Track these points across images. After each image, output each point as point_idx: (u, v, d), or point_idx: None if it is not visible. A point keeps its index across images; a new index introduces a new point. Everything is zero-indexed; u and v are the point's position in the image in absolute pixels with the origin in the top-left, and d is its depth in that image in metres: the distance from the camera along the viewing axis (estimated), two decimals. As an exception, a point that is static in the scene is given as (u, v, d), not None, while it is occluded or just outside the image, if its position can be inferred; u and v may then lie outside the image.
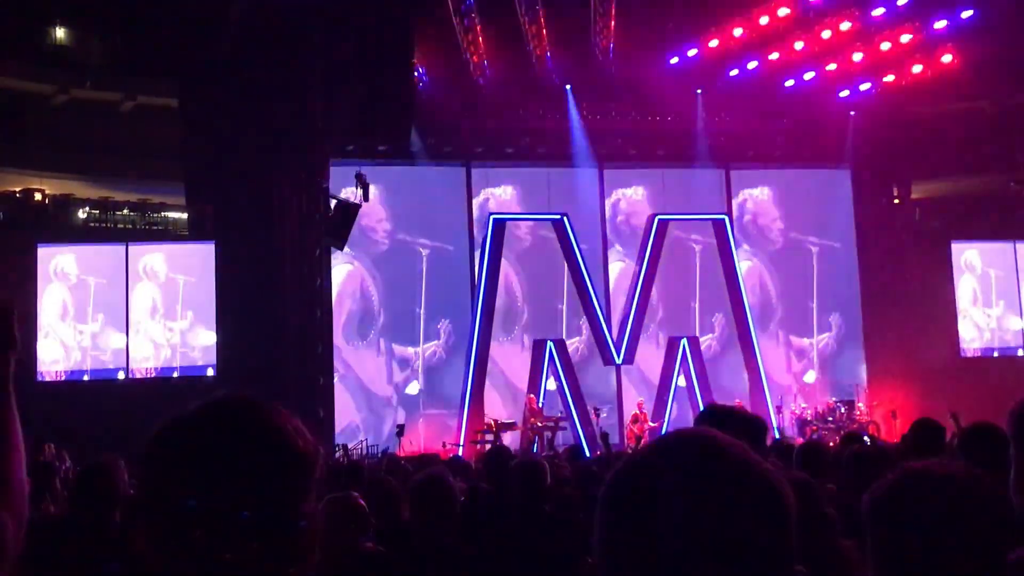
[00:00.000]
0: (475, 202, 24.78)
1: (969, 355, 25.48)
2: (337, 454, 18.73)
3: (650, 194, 25.70)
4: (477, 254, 23.94)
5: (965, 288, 26.00)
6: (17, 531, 1.75)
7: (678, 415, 23.10)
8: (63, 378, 21.64)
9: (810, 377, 25.85)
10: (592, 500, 1.52)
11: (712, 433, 1.50)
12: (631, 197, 25.76)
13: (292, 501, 1.59)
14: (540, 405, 21.99)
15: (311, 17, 20.72)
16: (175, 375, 22.04)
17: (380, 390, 24.06)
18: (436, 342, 24.45)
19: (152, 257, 22.48)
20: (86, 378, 21.77)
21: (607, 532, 1.45)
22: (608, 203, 25.58)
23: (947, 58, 23.41)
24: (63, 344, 21.83)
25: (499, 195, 25.09)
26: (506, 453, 6.41)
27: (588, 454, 16.79)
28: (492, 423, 21.93)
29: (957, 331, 25.58)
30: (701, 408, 23.02)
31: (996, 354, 25.64)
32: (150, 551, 1.58)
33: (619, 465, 1.50)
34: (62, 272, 21.99)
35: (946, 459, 2.29)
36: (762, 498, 1.42)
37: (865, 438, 18.30)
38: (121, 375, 21.93)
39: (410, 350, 24.27)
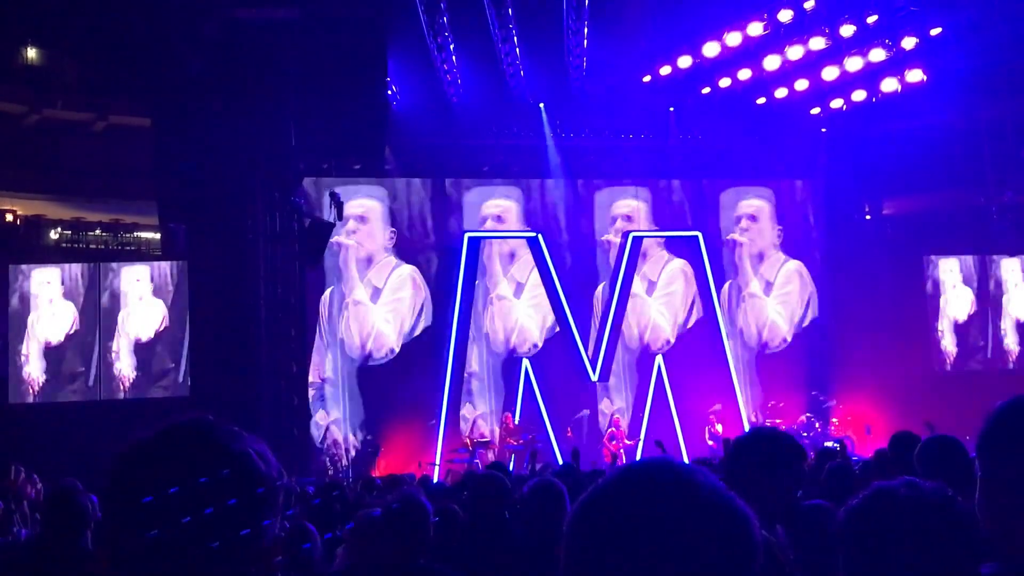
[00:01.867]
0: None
1: (944, 371, 25.67)
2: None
3: (624, 211, 25.74)
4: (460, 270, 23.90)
5: (947, 302, 26.27)
6: None
7: (652, 431, 23.12)
8: (35, 401, 21.46)
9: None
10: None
11: (677, 463, 1.50)
12: (607, 214, 25.79)
13: (254, 525, 1.58)
14: (516, 423, 21.98)
15: (284, 36, 20.69)
16: (145, 397, 21.88)
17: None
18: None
19: (121, 277, 22.35)
20: (55, 401, 21.59)
21: (571, 562, 1.44)
22: (582, 219, 25.62)
23: (917, 75, 23.60)
24: (34, 366, 21.65)
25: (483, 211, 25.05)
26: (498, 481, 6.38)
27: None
28: (468, 441, 21.90)
29: (936, 346, 25.77)
30: (677, 426, 23.19)
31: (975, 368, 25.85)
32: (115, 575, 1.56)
33: (582, 498, 1.49)
34: (33, 293, 21.84)
35: (917, 477, 2.31)
36: (729, 530, 1.41)
37: (834, 444, 18.41)
38: (94, 396, 21.76)
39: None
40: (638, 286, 25.18)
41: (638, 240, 24.58)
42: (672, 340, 25.34)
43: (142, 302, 22.29)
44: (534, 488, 5.87)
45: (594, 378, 23.77)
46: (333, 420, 23.46)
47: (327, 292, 23.86)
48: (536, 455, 17.88)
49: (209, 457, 1.60)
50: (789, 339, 26.32)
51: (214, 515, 1.54)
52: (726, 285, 26.04)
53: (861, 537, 2.12)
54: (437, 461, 21.98)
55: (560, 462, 21.30)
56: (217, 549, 1.52)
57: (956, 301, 26.48)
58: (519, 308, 24.57)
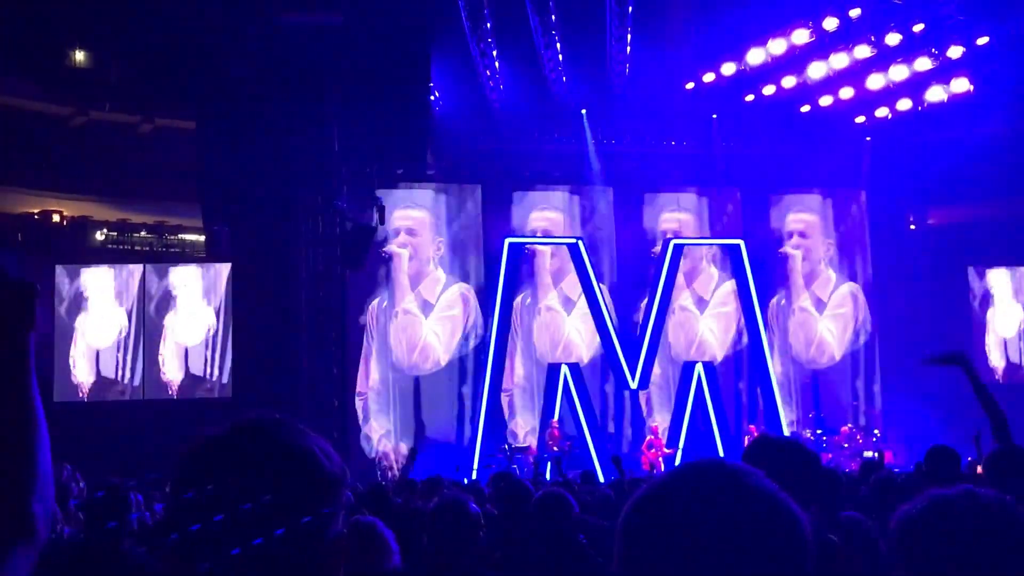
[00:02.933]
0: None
1: (996, 383, 25.35)
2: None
3: (666, 218, 25.67)
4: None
5: (995, 315, 26.03)
6: (45, 524, 1.73)
7: (693, 441, 23.02)
8: (80, 399, 21.67)
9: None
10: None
11: (731, 463, 1.50)
12: (649, 222, 25.72)
13: (319, 522, 1.59)
14: (560, 430, 21.94)
15: (328, 41, 20.80)
16: (189, 397, 22.05)
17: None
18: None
19: (167, 280, 22.55)
20: (102, 399, 21.80)
21: (625, 564, 1.44)
22: (623, 226, 25.56)
23: (963, 84, 23.39)
24: (79, 367, 21.87)
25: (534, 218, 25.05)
26: (512, 479, 6.36)
27: (602, 479, 16.74)
28: (506, 447, 21.89)
29: (983, 359, 25.47)
30: (716, 436, 23.08)
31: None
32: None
33: (636, 495, 1.50)
34: (83, 295, 22.07)
35: (972, 485, 2.30)
36: (782, 531, 1.42)
37: (873, 454, 18.23)
38: (138, 396, 21.95)
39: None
40: (688, 300, 25.20)
41: (679, 248, 24.47)
42: (719, 357, 25.24)
43: (190, 305, 22.48)
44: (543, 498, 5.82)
45: (633, 386, 23.68)
46: (384, 431, 23.52)
47: (375, 302, 23.94)
48: (619, 461, 17.78)
49: (276, 454, 1.61)
50: (838, 357, 26.16)
51: (280, 510, 1.55)
52: (775, 298, 25.93)
53: (918, 545, 2.11)
54: (475, 466, 21.97)
55: (598, 467, 21.30)
56: (282, 545, 1.53)
57: (1004, 315, 26.20)
58: (569, 322, 24.62)
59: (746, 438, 22.73)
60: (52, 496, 1.84)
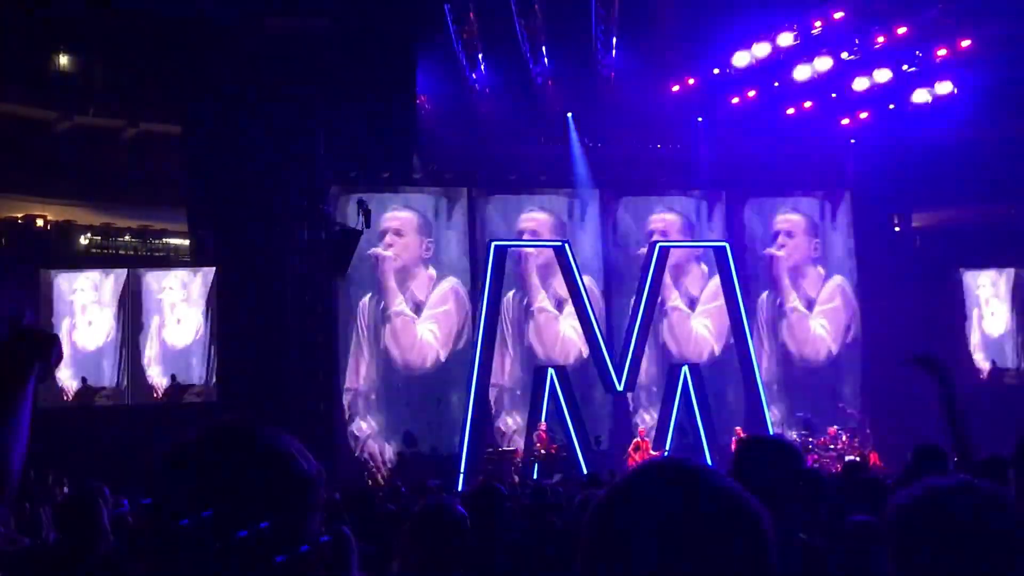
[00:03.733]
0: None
1: (981, 383, 25.42)
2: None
3: (652, 220, 25.68)
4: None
5: (980, 317, 26.11)
6: None
7: (680, 443, 23.03)
8: (63, 405, 21.58)
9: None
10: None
11: (691, 463, 1.51)
12: (634, 224, 25.74)
13: (295, 525, 1.60)
14: (548, 434, 21.91)
15: (313, 44, 20.80)
16: (173, 401, 21.97)
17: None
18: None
19: (149, 284, 22.49)
20: (83, 405, 21.72)
21: (588, 559, 1.46)
22: (609, 229, 25.58)
23: (947, 86, 23.48)
24: (64, 370, 21.78)
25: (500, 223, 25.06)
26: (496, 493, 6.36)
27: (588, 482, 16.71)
28: (493, 451, 21.88)
29: (968, 360, 25.56)
30: (703, 437, 23.11)
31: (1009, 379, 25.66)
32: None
33: (598, 497, 1.51)
34: (67, 299, 21.99)
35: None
36: (743, 529, 1.43)
37: (854, 458, 18.28)
38: (122, 400, 21.88)
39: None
40: (678, 301, 25.26)
41: (664, 250, 24.47)
42: (717, 351, 25.34)
43: (175, 309, 22.43)
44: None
45: (619, 387, 23.66)
46: (371, 431, 23.43)
47: (364, 299, 23.86)
48: (546, 463, 18.09)
49: (252, 457, 1.61)
50: (835, 351, 26.27)
51: (257, 515, 1.55)
52: (762, 296, 26.02)
53: (912, 533, 2.12)
54: (462, 469, 21.95)
55: (585, 470, 21.28)
56: (260, 548, 1.54)
57: (990, 316, 26.30)
58: (562, 322, 24.66)
59: (733, 440, 22.75)
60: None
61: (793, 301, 26.36)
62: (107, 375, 22.05)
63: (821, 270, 26.57)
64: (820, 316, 26.43)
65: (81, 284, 22.17)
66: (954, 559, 2.07)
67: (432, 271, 24.37)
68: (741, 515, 1.44)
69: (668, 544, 1.39)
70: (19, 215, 25.06)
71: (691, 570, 1.38)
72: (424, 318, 24.19)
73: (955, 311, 25.98)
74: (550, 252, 24.28)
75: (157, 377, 22.23)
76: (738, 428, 23.13)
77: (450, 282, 24.41)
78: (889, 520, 2.19)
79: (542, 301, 24.89)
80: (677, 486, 1.45)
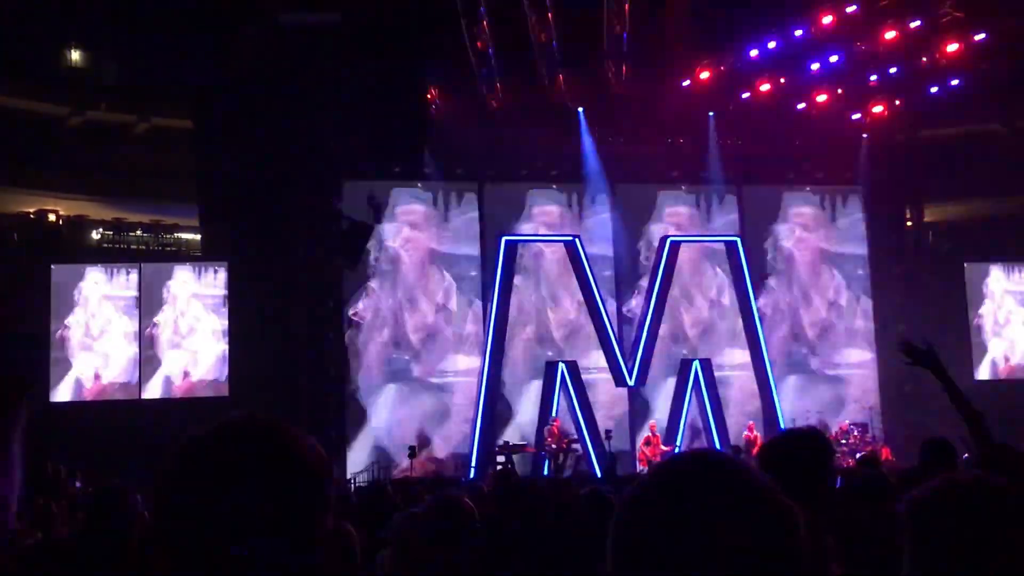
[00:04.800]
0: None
1: (983, 379, 25.31)
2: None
3: (663, 215, 25.62)
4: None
5: (991, 311, 25.99)
6: None
7: (690, 438, 23.03)
8: (76, 399, 21.65)
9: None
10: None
11: (721, 456, 1.50)
12: (644, 217, 25.69)
13: (309, 518, 1.60)
14: (560, 428, 21.91)
15: (325, 39, 20.81)
16: (186, 396, 22.02)
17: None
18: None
19: (162, 279, 22.52)
20: (97, 399, 21.76)
21: (619, 557, 1.44)
22: (620, 223, 25.53)
23: (959, 81, 23.39)
24: (76, 366, 21.85)
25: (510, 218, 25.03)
26: (514, 477, 6.35)
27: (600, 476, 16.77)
28: (504, 445, 21.90)
29: (980, 354, 25.46)
30: (714, 432, 23.09)
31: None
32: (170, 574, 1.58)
33: (628, 493, 1.50)
34: (82, 295, 22.03)
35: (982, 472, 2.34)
36: (774, 523, 1.41)
37: (862, 452, 18.22)
38: (135, 395, 21.91)
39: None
40: (693, 294, 25.28)
41: (676, 245, 24.44)
42: (728, 346, 25.32)
43: (186, 304, 22.46)
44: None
45: (631, 383, 23.66)
46: (383, 424, 23.36)
47: (372, 290, 23.81)
48: (557, 458, 18.08)
49: (264, 452, 1.61)
50: (847, 346, 26.20)
51: (269, 508, 1.55)
52: (772, 294, 25.97)
53: (928, 526, 2.13)
54: (473, 463, 21.98)
55: (596, 465, 21.34)
56: (271, 542, 1.54)
57: (1001, 311, 26.21)
58: (570, 318, 24.62)
59: (744, 435, 22.76)
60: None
61: (803, 296, 26.30)
62: (120, 370, 22.09)
63: (832, 269, 26.48)
64: (832, 311, 26.35)
65: (94, 278, 22.20)
66: (968, 554, 2.07)
67: (442, 271, 24.32)
68: (774, 507, 1.43)
69: (701, 542, 1.38)
70: (31, 210, 25.14)
71: (726, 567, 1.37)
72: (431, 314, 24.15)
73: (966, 306, 25.85)
74: (562, 247, 24.26)
75: (168, 373, 22.27)
76: (751, 423, 23.13)
77: (456, 281, 24.39)
78: (903, 515, 2.20)
79: (553, 296, 24.85)
80: (709, 481, 1.44)
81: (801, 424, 23.83)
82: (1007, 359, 26.11)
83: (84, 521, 5.54)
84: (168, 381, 22.24)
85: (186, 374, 22.31)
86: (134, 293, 22.27)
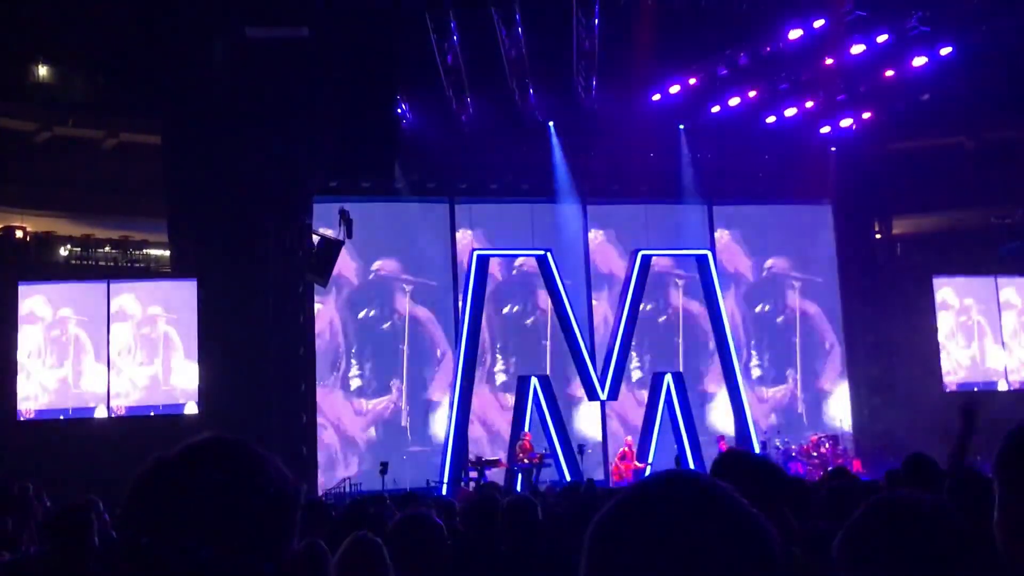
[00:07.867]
0: (458, 237, 24.78)
1: (951, 390, 25.44)
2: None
3: (633, 230, 25.67)
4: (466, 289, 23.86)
5: (944, 324, 26.11)
6: None
7: (662, 453, 23.04)
8: (42, 416, 21.44)
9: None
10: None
11: (700, 476, 1.49)
12: (613, 233, 25.77)
13: (275, 539, 1.58)
14: (531, 442, 21.90)
15: (294, 54, 20.74)
16: (154, 413, 21.83)
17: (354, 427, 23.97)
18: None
19: (128, 296, 22.34)
20: (62, 417, 21.54)
21: (592, 573, 1.43)
22: (591, 239, 25.60)
23: (926, 94, 23.59)
24: (41, 383, 21.65)
25: (481, 233, 25.04)
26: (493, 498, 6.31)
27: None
28: (476, 460, 21.86)
29: (939, 366, 25.64)
30: (686, 445, 23.10)
31: (976, 388, 25.58)
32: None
33: (606, 506, 1.48)
34: (38, 313, 21.83)
35: (915, 490, 2.35)
36: (754, 547, 1.40)
37: (830, 468, 18.26)
38: (102, 412, 21.73)
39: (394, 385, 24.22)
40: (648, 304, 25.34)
41: (647, 259, 24.51)
42: (682, 359, 25.40)
43: (155, 320, 22.30)
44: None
45: (603, 396, 23.68)
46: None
47: (335, 311, 23.83)
48: (531, 474, 18.15)
49: (230, 473, 1.59)
50: (818, 358, 26.37)
51: (236, 531, 1.54)
52: (741, 304, 26.12)
53: (856, 548, 2.14)
54: (445, 479, 21.92)
55: (568, 479, 21.28)
56: (239, 564, 1.52)
57: (966, 322, 26.38)
58: (546, 330, 24.67)
59: (718, 446, 22.81)
60: None
61: (771, 310, 26.46)
62: (86, 388, 21.89)
63: (799, 283, 26.66)
64: (802, 323, 26.51)
65: (60, 296, 22.01)
66: (893, 571, 2.07)
67: (410, 287, 24.39)
68: (753, 533, 1.42)
69: (677, 561, 1.36)
70: (-2, 226, 24.94)
71: None
72: (403, 331, 24.20)
73: (934, 318, 26.01)
74: (534, 261, 24.30)
75: (137, 390, 22.08)
76: (722, 438, 23.20)
77: (424, 300, 24.46)
78: (840, 537, 2.21)
79: (525, 310, 24.90)
80: (687, 501, 1.43)
81: (773, 436, 23.99)
82: (972, 371, 26.24)
83: (47, 539, 5.48)
84: (137, 399, 22.04)
85: (154, 391, 22.11)
86: (102, 310, 22.08)
